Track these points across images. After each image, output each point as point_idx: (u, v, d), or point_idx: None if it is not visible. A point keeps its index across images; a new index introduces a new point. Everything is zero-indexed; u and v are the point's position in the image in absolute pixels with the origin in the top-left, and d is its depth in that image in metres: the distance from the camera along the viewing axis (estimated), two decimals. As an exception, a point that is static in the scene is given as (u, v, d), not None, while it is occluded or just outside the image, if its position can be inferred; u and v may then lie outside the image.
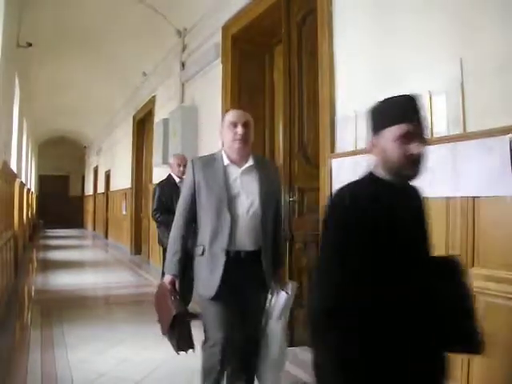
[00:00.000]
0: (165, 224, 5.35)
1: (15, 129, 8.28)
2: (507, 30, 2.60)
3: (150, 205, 9.97)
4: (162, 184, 5.54)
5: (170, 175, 5.61)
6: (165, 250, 5.45)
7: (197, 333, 4.88)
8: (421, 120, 1.80)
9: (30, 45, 7.57)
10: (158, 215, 5.31)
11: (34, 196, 19.14)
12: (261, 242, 2.80)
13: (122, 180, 13.52)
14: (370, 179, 1.89)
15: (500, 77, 2.63)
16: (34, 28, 7.95)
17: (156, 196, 5.39)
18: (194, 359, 4.15)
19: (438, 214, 3.00)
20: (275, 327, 2.90)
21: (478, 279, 2.72)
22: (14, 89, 7.81)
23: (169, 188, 5.42)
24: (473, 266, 2.77)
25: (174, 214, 5.19)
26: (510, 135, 2.51)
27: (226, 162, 2.90)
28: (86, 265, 10.54)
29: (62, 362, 4.02)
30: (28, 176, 13.99)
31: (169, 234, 5.25)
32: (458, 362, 2.82)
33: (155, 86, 9.92)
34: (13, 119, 7.74)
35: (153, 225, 9.29)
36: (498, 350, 2.61)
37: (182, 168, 5.51)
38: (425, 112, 1.91)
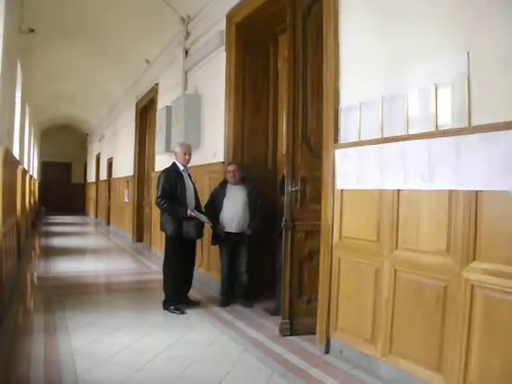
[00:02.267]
0: (168, 211, 5.37)
1: (17, 115, 8.26)
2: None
3: (152, 192, 10.02)
4: (166, 171, 5.54)
5: (174, 163, 5.61)
6: (167, 237, 5.50)
7: (193, 312, 4.95)
8: None
9: (32, 30, 7.53)
10: (162, 202, 5.32)
11: (37, 183, 19.14)
12: None
13: (125, 167, 13.52)
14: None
15: (507, 71, 2.61)
16: (36, 14, 7.91)
17: (161, 183, 5.39)
18: (194, 346, 4.20)
19: (440, 207, 3.01)
20: None
21: (478, 273, 2.74)
22: (16, 75, 7.77)
23: (173, 175, 5.43)
24: (474, 259, 2.78)
25: (177, 201, 5.27)
26: (515, 129, 2.50)
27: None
28: (88, 252, 10.57)
29: (64, 347, 4.03)
30: (30, 163, 13.99)
31: (172, 221, 5.32)
32: (456, 354, 2.85)
33: (158, 73, 9.89)
34: (15, 106, 7.71)
35: (155, 212, 9.35)
36: (498, 343, 2.63)
37: (187, 157, 5.57)
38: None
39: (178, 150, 5.63)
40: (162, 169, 5.76)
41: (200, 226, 5.42)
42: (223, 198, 5.63)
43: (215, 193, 5.77)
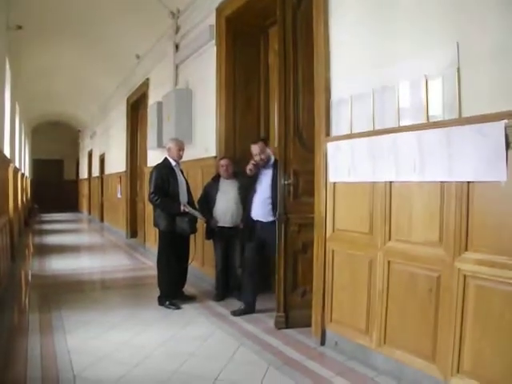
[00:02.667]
0: (161, 207, 5.37)
1: (7, 113, 8.23)
2: (504, 15, 2.60)
3: (145, 188, 10.00)
4: (158, 167, 5.53)
5: (166, 158, 5.60)
6: (161, 233, 5.50)
7: (188, 307, 4.95)
8: None
9: (19, 27, 7.48)
10: (155, 198, 5.32)
11: (29, 181, 19.07)
12: None
13: (117, 163, 13.48)
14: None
15: (496, 62, 2.63)
16: (24, 10, 7.85)
17: (153, 179, 5.39)
18: (191, 341, 4.21)
19: (432, 198, 3.03)
20: None
21: (470, 263, 2.77)
22: (5, 72, 7.73)
23: (166, 171, 5.42)
24: (466, 250, 2.81)
25: (170, 196, 5.27)
26: (505, 121, 2.52)
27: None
28: (82, 249, 10.56)
29: (60, 345, 4.04)
30: (22, 161, 13.93)
31: (165, 216, 5.31)
32: (449, 343, 2.87)
33: (149, 68, 9.85)
34: (4, 103, 7.67)
35: (148, 208, 9.33)
36: (490, 332, 2.66)
37: (181, 152, 5.58)
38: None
39: (171, 145, 5.61)
40: (154, 164, 5.75)
41: (193, 221, 5.43)
42: (216, 193, 5.63)
43: (208, 187, 5.77)
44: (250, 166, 4.86)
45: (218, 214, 5.58)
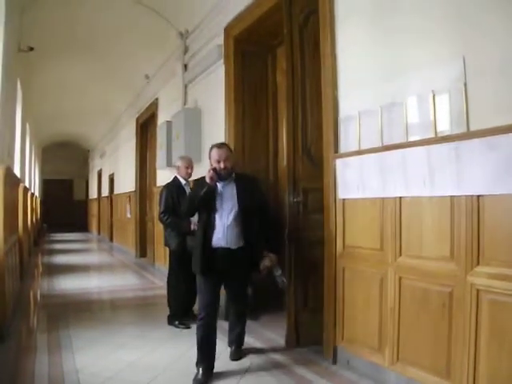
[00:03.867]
0: (172, 226, 5.36)
1: (18, 133, 8.29)
2: (510, 27, 2.60)
3: (154, 207, 10.02)
4: (168, 186, 5.53)
5: (175, 177, 5.60)
6: (171, 252, 5.48)
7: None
8: None
9: (31, 49, 7.57)
10: (165, 217, 5.31)
11: (38, 200, 19.17)
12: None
13: (126, 183, 13.54)
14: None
15: (503, 75, 2.63)
16: (35, 32, 7.97)
17: (163, 198, 5.38)
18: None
19: (442, 213, 3.01)
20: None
21: (483, 277, 2.73)
22: (16, 93, 7.81)
23: (175, 190, 5.42)
24: (478, 264, 2.77)
25: (180, 216, 5.26)
26: (514, 133, 2.50)
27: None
28: (92, 268, 10.55)
29: (68, 365, 4.02)
30: (32, 180, 14.02)
31: (176, 235, 5.29)
32: (464, 360, 2.82)
33: (158, 88, 9.93)
34: (15, 124, 7.74)
35: (158, 227, 9.33)
36: (506, 347, 2.61)
37: (189, 170, 5.57)
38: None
39: (179, 163, 5.63)
40: (164, 184, 5.76)
41: None
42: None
43: None
44: (210, 174, 3.79)
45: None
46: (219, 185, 3.90)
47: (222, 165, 3.84)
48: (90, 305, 6.64)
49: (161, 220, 5.42)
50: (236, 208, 3.86)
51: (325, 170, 4.15)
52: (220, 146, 4.01)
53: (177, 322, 5.28)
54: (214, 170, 3.80)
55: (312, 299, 4.51)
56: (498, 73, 2.66)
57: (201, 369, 3.76)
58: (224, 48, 6.42)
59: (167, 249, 5.64)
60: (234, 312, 4.41)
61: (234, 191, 3.92)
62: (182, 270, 5.36)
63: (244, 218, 3.90)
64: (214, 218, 3.85)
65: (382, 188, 3.50)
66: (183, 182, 5.52)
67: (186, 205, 4.06)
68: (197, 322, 3.98)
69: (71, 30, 8.65)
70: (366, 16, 3.77)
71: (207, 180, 3.77)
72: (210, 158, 3.94)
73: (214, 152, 3.91)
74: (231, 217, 3.85)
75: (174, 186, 5.50)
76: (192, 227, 5.24)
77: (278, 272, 4.16)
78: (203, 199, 3.82)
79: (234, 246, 3.86)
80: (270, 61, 6.44)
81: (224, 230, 3.83)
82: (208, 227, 3.86)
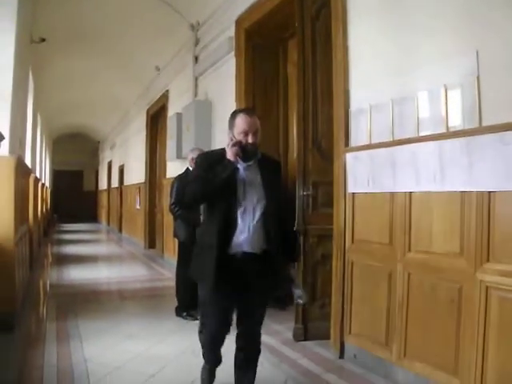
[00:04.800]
0: (182, 217, 5.37)
1: (29, 124, 8.33)
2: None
3: (163, 199, 10.05)
4: (180, 178, 5.55)
5: (187, 169, 5.61)
6: (180, 244, 5.49)
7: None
8: None
9: (43, 40, 7.59)
10: (176, 209, 5.32)
11: (49, 191, 19.26)
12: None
13: (136, 174, 13.57)
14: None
15: (517, 70, 2.59)
16: (47, 23, 7.98)
17: (175, 189, 5.40)
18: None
19: (452, 208, 2.99)
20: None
21: (492, 274, 2.71)
22: (28, 84, 7.84)
23: (187, 182, 5.42)
24: (488, 260, 2.75)
25: (191, 208, 5.26)
26: (526, 129, 2.48)
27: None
28: (100, 259, 10.61)
29: (77, 355, 4.04)
30: (42, 171, 14.08)
31: (185, 227, 5.30)
32: (472, 356, 2.81)
33: (168, 80, 9.92)
34: (27, 114, 7.78)
35: (167, 219, 9.37)
36: (515, 345, 2.60)
37: None
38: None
39: (192, 155, 5.63)
40: (174, 175, 5.76)
41: None
42: None
43: None
44: (235, 150, 2.75)
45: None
46: (240, 167, 2.83)
47: (250, 139, 2.78)
48: (99, 295, 6.67)
49: (171, 211, 5.43)
50: (263, 201, 2.83)
51: (335, 164, 4.14)
52: (249, 112, 2.94)
53: (184, 314, 5.29)
54: (240, 144, 2.77)
55: (320, 293, 4.51)
56: (511, 68, 2.62)
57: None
58: (235, 40, 6.40)
59: (176, 240, 5.64)
60: (245, 358, 3.17)
61: (259, 177, 2.88)
62: (190, 259, 5.38)
63: (270, 214, 2.86)
64: (236, 212, 2.78)
65: (393, 182, 3.48)
66: None
67: (198, 188, 2.80)
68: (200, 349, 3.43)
69: (82, 21, 8.65)
70: (378, 9, 3.74)
71: (230, 157, 2.74)
72: (232, 127, 2.87)
73: (242, 120, 2.82)
74: (258, 212, 2.81)
75: (185, 177, 5.50)
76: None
77: (298, 288, 3.14)
78: (225, 184, 2.74)
79: (258, 251, 2.82)
80: (281, 53, 6.42)
81: (249, 229, 2.77)
82: (226, 224, 2.77)
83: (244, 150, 2.77)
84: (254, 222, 2.78)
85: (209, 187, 2.75)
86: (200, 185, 2.79)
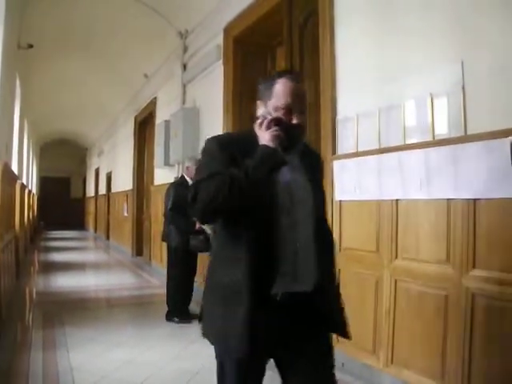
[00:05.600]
0: (177, 223, 5.39)
1: (16, 130, 8.28)
2: (508, 31, 2.61)
3: (151, 206, 10.02)
4: (176, 184, 5.64)
5: (182, 176, 5.74)
6: (172, 249, 5.52)
7: (194, 324, 4.84)
8: None
9: (31, 46, 7.56)
10: (172, 214, 5.40)
11: (36, 198, 19.13)
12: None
13: (124, 182, 13.51)
14: None
15: (501, 79, 2.63)
16: (34, 29, 7.95)
17: (171, 195, 5.48)
18: (195, 361, 4.17)
19: (439, 216, 3.01)
20: None
21: (478, 281, 2.73)
22: (15, 90, 7.81)
23: (182, 188, 5.47)
24: (474, 267, 2.78)
25: (185, 214, 5.28)
26: (511, 137, 2.51)
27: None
28: (88, 266, 10.52)
29: (63, 363, 4.00)
30: (29, 178, 13.99)
31: (179, 233, 5.33)
32: (458, 363, 2.83)
33: (156, 87, 9.91)
34: (14, 121, 7.74)
35: (154, 226, 9.34)
36: (500, 351, 2.61)
37: None
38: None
39: (190, 165, 5.69)
40: (163, 182, 5.79)
41: (207, 239, 5.43)
42: None
43: None
44: (275, 131, 1.73)
45: None
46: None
47: (296, 118, 1.79)
48: (86, 303, 6.62)
49: (168, 216, 5.48)
50: (318, 209, 1.86)
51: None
52: (295, 77, 1.88)
53: (176, 319, 5.32)
54: (281, 123, 1.77)
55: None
56: (496, 77, 2.66)
57: None
58: (223, 48, 6.42)
59: (164, 246, 5.66)
60: None
61: (304, 175, 1.83)
62: (181, 266, 5.44)
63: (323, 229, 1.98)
64: (278, 226, 1.74)
65: (379, 190, 3.50)
66: (190, 181, 5.56)
67: (220, 194, 1.63)
68: None
69: (70, 28, 8.64)
70: (365, 18, 3.77)
71: (269, 142, 1.72)
72: (267, 97, 1.87)
73: (286, 88, 1.81)
74: (310, 226, 1.75)
75: (181, 184, 5.57)
76: (197, 226, 5.26)
77: None
78: (263, 187, 1.70)
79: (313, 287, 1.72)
80: (270, 61, 6.43)
81: (297, 253, 1.73)
82: (260, 248, 1.72)
83: (288, 134, 1.76)
84: (308, 241, 1.73)
85: (241, 192, 1.65)
86: (223, 188, 1.65)
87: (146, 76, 10.29)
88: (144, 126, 11.84)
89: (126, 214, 13.21)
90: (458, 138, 2.86)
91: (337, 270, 2.04)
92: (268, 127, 1.74)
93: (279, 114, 1.79)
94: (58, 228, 21.13)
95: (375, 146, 3.56)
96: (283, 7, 4.62)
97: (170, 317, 5.41)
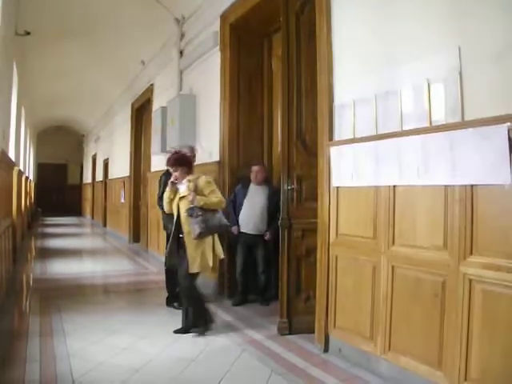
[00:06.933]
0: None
1: (13, 117, 8.24)
2: (505, 17, 2.59)
3: (148, 193, 10.01)
4: (168, 172, 5.58)
5: None
6: (168, 236, 5.50)
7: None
8: None
9: (28, 33, 7.53)
10: (161, 202, 5.39)
11: (33, 184, 19.10)
12: None
13: (121, 168, 13.49)
14: None
15: (498, 65, 2.62)
16: (32, 16, 7.89)
17: (162, 184, 5.45)
18: (193, 347, 4.19)
19: (436, 202, 3.01)
20: None
21: (475, 267, 2.74)
22: (12, 77, 7.75)
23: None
24: (471, 254, 2.78)
25: None
26: (508, 124, 2.50)
27: None
28: (85, 253, 10.54)
29: (60, 349, 4.02)
30: (26, 164, 13.95)
31: (171, 219, 5.31)
32: (456, 350, 2.84)
33: (153, 74, 9.86)
34: (11, 108, 7.69)
35: (151, 213, 9.34)
36: (498, 338, 2.62)
37: (194, 158, 5.56)
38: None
39: (185, 151, 5.65)
40: (160, 169, 5.76)
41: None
42: (243, 198, 5.65)
43: (237, 191, 5.79)
44: None
45: (241, 220, 5.61)
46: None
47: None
48: (83, 289, 6.63)
49: (158, 205, 5.47)
50: None
51: (319, 158, 4.14)
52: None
53: (176, 304, 5.34)
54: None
55: (305, 287, 4.52)
56: (493, 63, 2.65)
57: None
58: (220, 35, 6.38)
59: (161, 234, 5.65)
60: None
61: None
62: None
63: None
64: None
65: (376, 176, 3.50)
66: None
67: None
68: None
69: (67, 14, 8.56)
70: (362, 4, 3.74)
71: None
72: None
73: None
74: None
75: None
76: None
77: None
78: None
79: None
80: (266, 48, 6.41)
81: None
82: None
83: None
84: None
85: None
86: None
87: (142, 62, 10.24)
88: (141, 112, 11.80)
89: (122, 201, 13.20)
90: (455, 124, 2.84)
91: None
92: None
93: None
94: (55, 214, 21.13)
95: (372, 133, 3.55)
96: (280, -7, 4.58)
97: (169, 302, 5.43)
